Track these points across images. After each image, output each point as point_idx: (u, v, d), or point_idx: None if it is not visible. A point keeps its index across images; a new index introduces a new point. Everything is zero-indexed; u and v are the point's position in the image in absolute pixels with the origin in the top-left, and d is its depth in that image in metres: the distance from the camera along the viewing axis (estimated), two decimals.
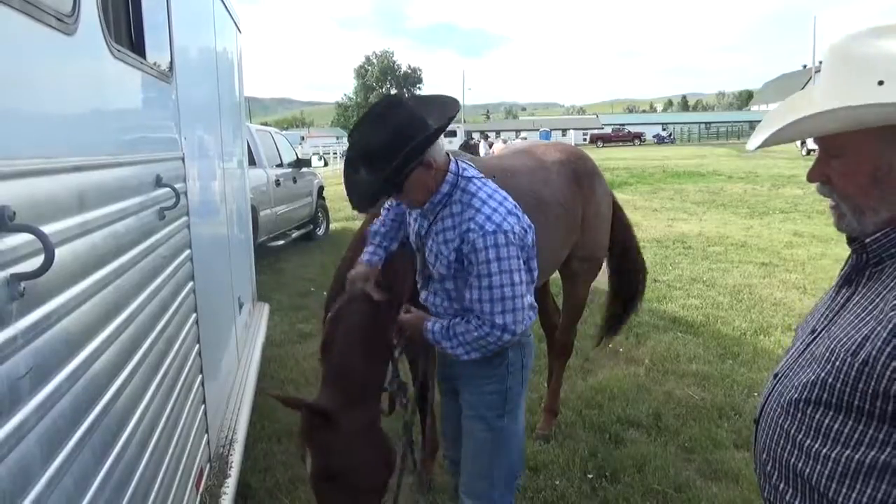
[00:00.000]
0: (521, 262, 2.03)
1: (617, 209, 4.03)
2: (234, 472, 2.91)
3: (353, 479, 2.19)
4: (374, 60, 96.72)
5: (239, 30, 4.98)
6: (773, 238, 10.11)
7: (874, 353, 1.06)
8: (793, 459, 1.20)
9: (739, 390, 4.47)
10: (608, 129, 71.32)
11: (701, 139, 68.43)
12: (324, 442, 2.18)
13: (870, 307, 1.12)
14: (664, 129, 72.05)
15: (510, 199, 2.10)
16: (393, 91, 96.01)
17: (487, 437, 2.21)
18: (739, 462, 3.52)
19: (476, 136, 35.42)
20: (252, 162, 8.45)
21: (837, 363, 1.12)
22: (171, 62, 2.57)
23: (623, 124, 77.44)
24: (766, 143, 1.21)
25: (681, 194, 16.70)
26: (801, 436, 1.18)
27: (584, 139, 64.92)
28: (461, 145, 23.89)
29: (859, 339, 1.10)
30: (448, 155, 2.13)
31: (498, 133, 53.29)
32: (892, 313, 1.06)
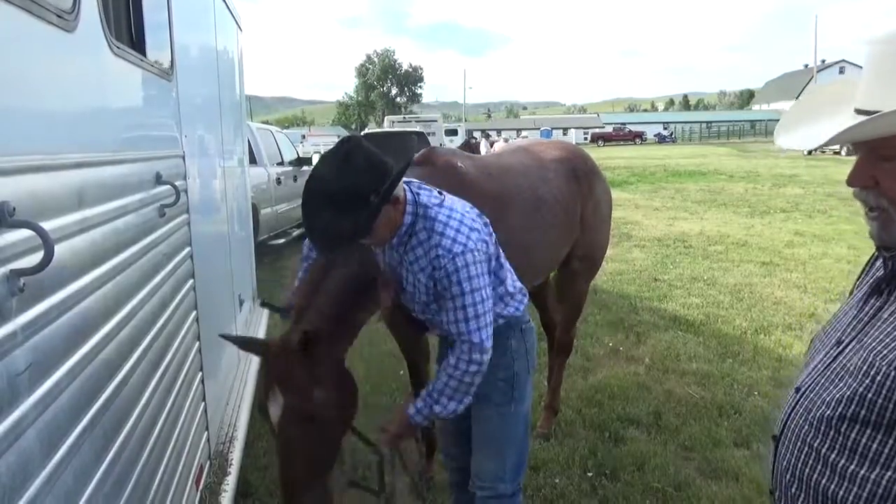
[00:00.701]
0: (488, 274, 2.11)
1: None
2: (234, 470, 2.92)
3: (329, 417, 2.10)
4: (375, 59, 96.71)
5: (240, 28, 4.98)
6: (774, 237, 10.10)
7: None
8: (823, 480, 1.12)
9: (740, 389, 4.47)
10: (609, 128, 71.26)
11: (702, 138, 68.38)
12: (298, 377, 2.07)
13: None
14: (665, 129, 72.00)
15: (467, 212, 2.14)
16: (394, 90, 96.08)
17: (498, 422, 2.30)
18: (739, 460, 3.52)
19: (477, 134, 35.39)
20: (253, 160, 8.45)
21: (879, 377, 1.05)
22: (172, 60, 2.57)
23: (624, 123, 77.40)
24: (832, 143, 1.12)
25: (682, 193, 16.69)
26: (833, 455, 1.11)
27: (586, 138, 64.91)
28: (462, 144, 23.86)
29: None
30: (403, 186, 2.14)
31: (499, 132, 53.30)
32: None
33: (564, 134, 60.39)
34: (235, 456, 3.04)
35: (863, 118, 1.07)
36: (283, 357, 2.10)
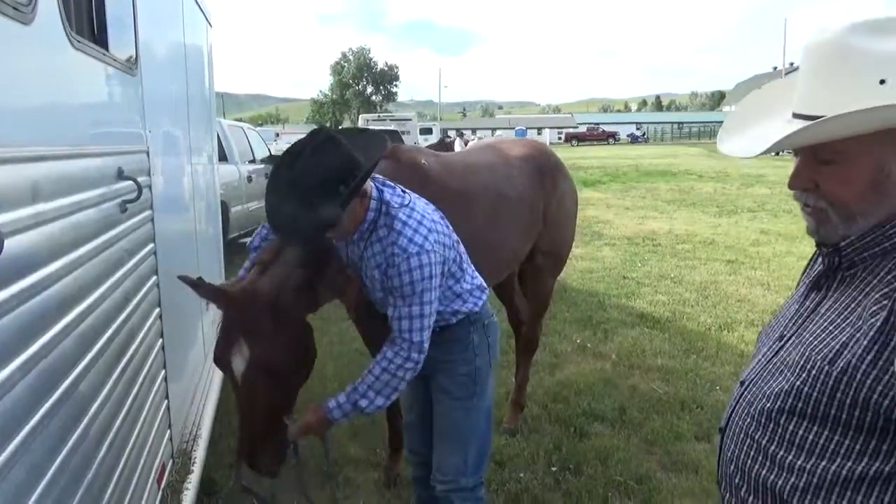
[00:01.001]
0: (441, 276, 2.13)
1: None
2: (197, 468, 2.90)
3: (294, 367, 2.10)
4: (351, 57, 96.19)
5: (210, 24, 4.93)
6: (741, 236, 10.31)
7: (854, 361, 1.02)
8: (764, 472, 1.15)
9: (702, 384, 4.56)
10: (583, 128, 71.88)
11: (674, 139, 69.34)
12: (266, 327, 2.04)
13: (845, 313, 1.09)
14: (638, 129, 72.88)
15: (428, 213, 2.16)
16: (370, 88, 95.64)
17: (461, 416, 2.32)
18: (699, 453, 3.60)
19: (452, 133, 35.43)
20: (223, 157, 8.37)
21: (814, 371, 1.08)
22: (136, 55, 2.55)
23: (598, 123, 78.21)
24: (772, 150, 1.12)
25: (652, 193, 16.93)
26: (773, 447, 1.14)
27: (560, 138, 65.42)
28: (437, 143, 23.86)
29: (837, 347, 1.06)
30: (369, 182, 2.16)
31: (474, 131, 53.42)
32: (872, 320, 1.01)
33: (539, 133, 60.76)
34: (199, 454, 3.02)
35: (800, 122, 1.09)
36: (248, 307, 2.07)
